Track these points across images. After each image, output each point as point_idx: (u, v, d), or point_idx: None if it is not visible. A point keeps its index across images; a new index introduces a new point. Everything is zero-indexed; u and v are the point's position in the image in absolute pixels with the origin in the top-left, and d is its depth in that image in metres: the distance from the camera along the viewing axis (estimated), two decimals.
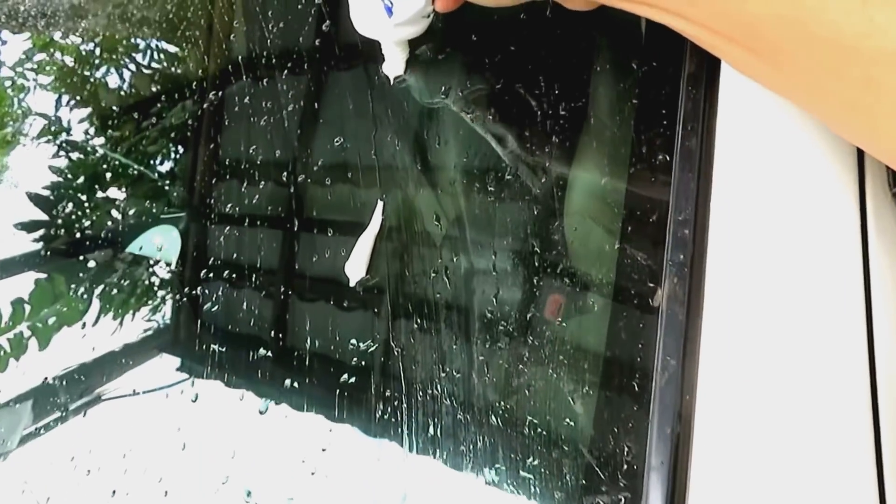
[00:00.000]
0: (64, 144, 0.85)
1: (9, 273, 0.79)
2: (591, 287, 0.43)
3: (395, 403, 0.47)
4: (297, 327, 0.55)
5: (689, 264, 0.38)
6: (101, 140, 0.82)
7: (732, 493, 0.34)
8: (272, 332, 0.56)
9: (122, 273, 0.71)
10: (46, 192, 0.82)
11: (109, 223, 0.76)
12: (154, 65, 0.81)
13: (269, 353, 0.54)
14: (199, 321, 0.60)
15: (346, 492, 0.47)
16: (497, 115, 0.50)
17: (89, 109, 0.85)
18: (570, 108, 0.47)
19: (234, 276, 0.60)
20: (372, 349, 0.50)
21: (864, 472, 0.34)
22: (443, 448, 0.45)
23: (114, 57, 0.85)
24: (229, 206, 0.63)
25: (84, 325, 0.68)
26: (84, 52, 0.90)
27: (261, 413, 0.52)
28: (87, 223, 0.78)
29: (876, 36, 0.28)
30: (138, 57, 0.83)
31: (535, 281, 0.45)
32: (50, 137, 0.86)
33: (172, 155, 0.75)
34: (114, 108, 0.82)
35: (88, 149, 0.83)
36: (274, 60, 0.63)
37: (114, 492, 0.54)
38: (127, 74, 0.83)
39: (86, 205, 0.79)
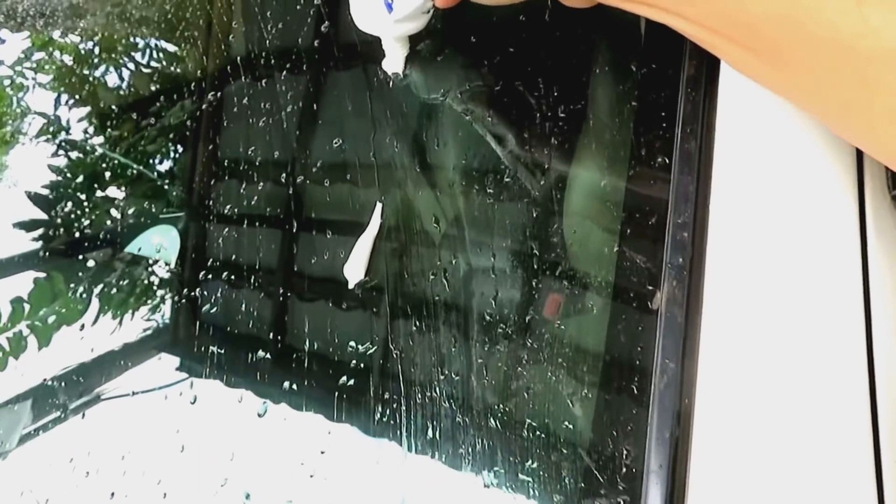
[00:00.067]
0: (63, 143, 0.85)
1: (8, 272, 0.79)
2: (591, 289, 0.43)
3: (394, 405, 0.47)
4: (295, 329, 0.55)
5: (689, 267, 0.38)
6: (101, 139, 0.82)
7: (732, 496, 0.34)
8: (271, 334, 0.56)
9: (121, 273, 0.71)
10: (45, 192, 0.82)
11: (108, 223, 0.76)
12: (153, 64, 0.81)
13: (268, 355, 0.54)
14: (197, 321, 0.60)
15: (344, 494, 0.47)
16: (496, 115, 0.50)
17: (88, 108, 0.85)
18: (570, 109, 0.47)
19: (233, 276, 0.60)
20: (371, 351, 0.50)
21: (862, 474, 0.34)
22: (442, 450, 0.45)
23: (113, 56, 0.85)
24: (228, 206, 0.63)
25: (83, 326, 0.68)
26: (83, 51, 0.90)
27: (259, 416, 0.52)
28: (86, 222, 0.78)
29: (871, 36, 0.28)
30: (137, 56, 0.83)
31: (534, 283, 0.45)
32: (49, 136, 0.86)
33: (172, 154, 0.75)
34: (113, 107, 0.82)
35: (87, 148, 0.83)
36: (273, 60, 0.63)
37: (112, 494, 0.54)
38: (126, 74, 0.83)
39: (85, 204, 0.79)
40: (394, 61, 0.53)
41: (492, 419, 0.44)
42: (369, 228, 0.52)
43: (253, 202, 0.61)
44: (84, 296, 0.72)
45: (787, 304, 0.35)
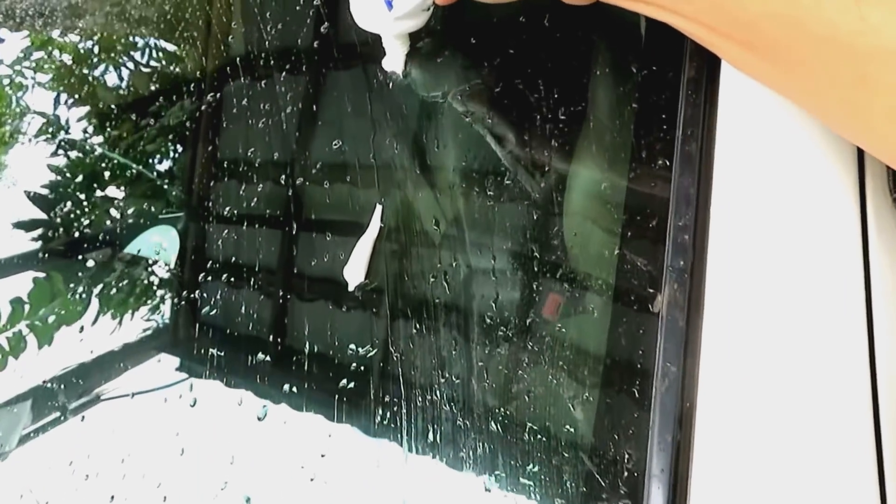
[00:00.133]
0: (62, 143, 0.84)
1: (8, 272, 0.79)
2: (591, 291, 0.43)
3: (395, 408, 0.47)
4: (295, 330, 0.55)
5: (690, 270, 0.38)
6: (100, 139, 0.81)
7: (735, 500, 0.34)
8: (271, 335, 0.56)
9: (121, 273, 0.71)
10: (45, 191, 0.82)
11: (108, 223, 0.76)
12: (153, 64, 0.81)
13: (268, 357, 0.54)
14: (197, 322, 0.60)
15: (345, 498, 0.47)
16: (496, 115, 0.50)
17: (88, 108, 0.85)
18: (570, 110, 0.46)
19: (232, 277, 0.60)
20: (371, 353, 0.50)
21: (865, 477, 0.33)
22: (442, 454, 0.45)
23: (112, 56, 0.84)
24: (228, 206, 0.63)
25: (82, 328, 0.68)
26: (82, 51, 0.90)
27: (259, 419, 0.52)
28: (85, 222, 0.77)
29: (870, 34, 0.28)
30: (137, 56, 0.83)
31: (534, 285, 0.45)
32: (48, 136, 0.86)
33: (171, 154, 0.75)
34: (112, 106, 0.82)
35: (87, 148, 0.83)
36: (273, 61, 0.63)
37: (112, 497, 0.54)
38: (125, 73, 0.83)
39: (84, 204, 0.79)
40: (394, 59, 0.52)
41: (492, 422, 0.44)
42: (369, 230, 0.52)
43: (253, 203, 0.61)
44: (83, 296, 0.72)
45: (788, 306, 0.35)
